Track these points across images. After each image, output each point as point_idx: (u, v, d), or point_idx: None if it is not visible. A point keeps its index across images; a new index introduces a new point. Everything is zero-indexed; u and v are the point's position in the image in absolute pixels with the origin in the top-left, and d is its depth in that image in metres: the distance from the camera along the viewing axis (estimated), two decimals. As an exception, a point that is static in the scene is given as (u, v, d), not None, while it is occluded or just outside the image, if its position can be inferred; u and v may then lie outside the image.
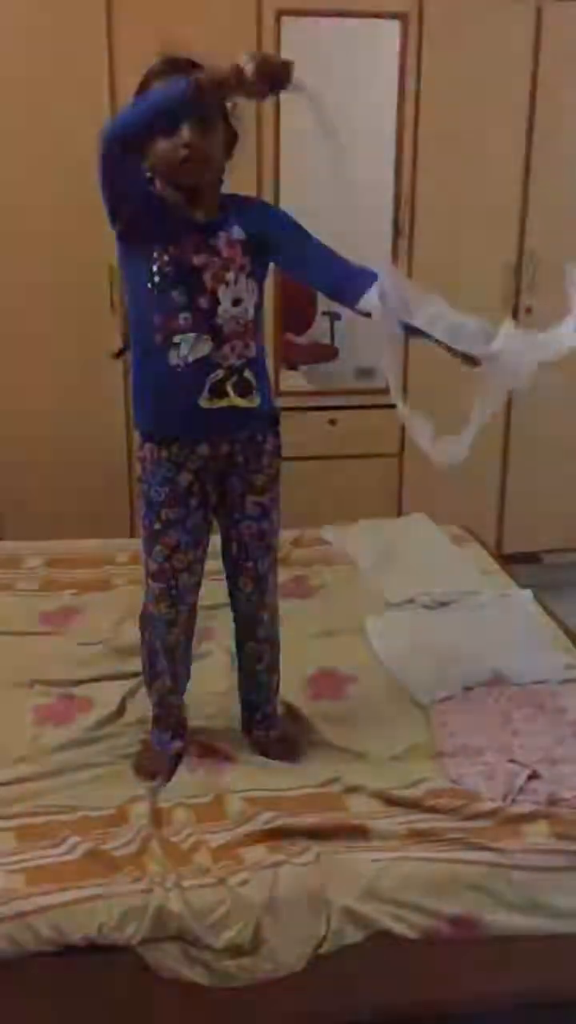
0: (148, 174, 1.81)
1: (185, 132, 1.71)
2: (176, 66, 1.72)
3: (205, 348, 1.80)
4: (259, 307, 1.87)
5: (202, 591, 2.01)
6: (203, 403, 1.83)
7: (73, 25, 3.19)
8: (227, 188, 1.88)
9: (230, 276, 1.80)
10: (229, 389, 1.83)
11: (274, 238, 1.86)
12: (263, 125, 3.30)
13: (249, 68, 1.56)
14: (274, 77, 1.59)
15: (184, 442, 1.86)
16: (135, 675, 2.25)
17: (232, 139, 1.83)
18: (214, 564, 2.01)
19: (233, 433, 1.88)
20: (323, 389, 3.86)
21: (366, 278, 1.75)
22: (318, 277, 1.89)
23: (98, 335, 3.36)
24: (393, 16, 3.38)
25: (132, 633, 2.43)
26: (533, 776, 1.90)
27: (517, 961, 1.73)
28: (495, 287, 3.68)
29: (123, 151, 1.68)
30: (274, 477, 1.95)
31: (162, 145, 1.73)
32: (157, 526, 1.91)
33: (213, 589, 2.06)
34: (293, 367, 3.89)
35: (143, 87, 1.78)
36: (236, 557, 1.98)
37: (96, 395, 3.46)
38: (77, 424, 3.51)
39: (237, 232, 1.81)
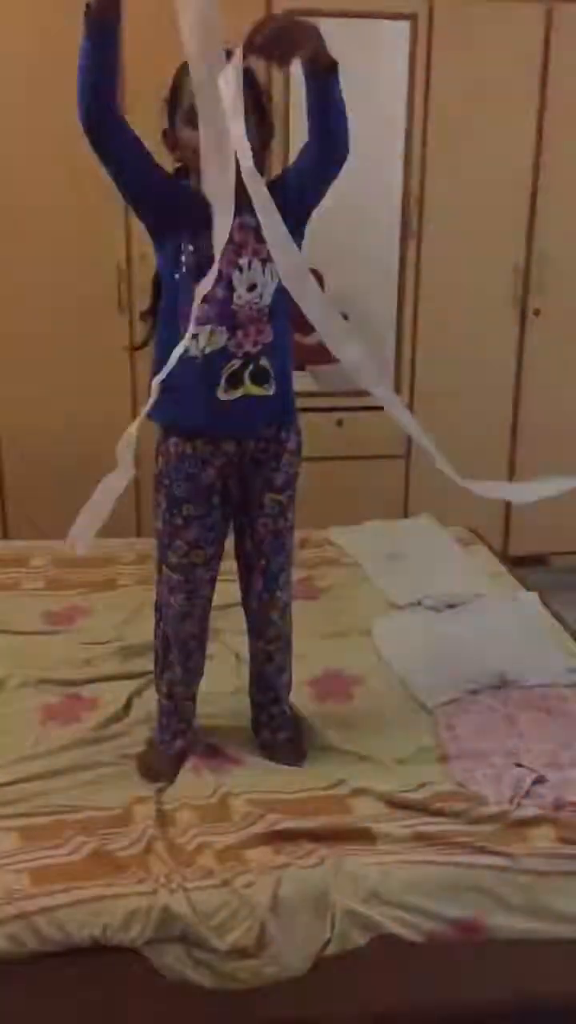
0: (177, 165, 1.83)
1: None
2: None
3: (221, 339, 1.81)
4: (281, 291, 1.81)
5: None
6: (220, 395, 1.83)
7: (79, 23, 3.19)
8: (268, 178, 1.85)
9: (243, 261, 1.79)
10: (246, 378, 1.83)
11: (291, 195, 1.78)
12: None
13: None
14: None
15: (209, 438, 1.86)
16: (141, 675, 2.26)
17: (268, 132, 1.83)
18: (223, 564, 2.01)
19: (255, 425, 1.87)
20: (330, 390, 3.85)
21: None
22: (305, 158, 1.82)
23: (107, 336, 3.36)
24: (403, 17, 3.38)
25: (138, 633, 2.43)
26: (539, 780, 1.89)
27: (521, 965, 1.72)
28: (503, 288, 3.68)
29: (99, 114, 1.68)
30: (293, 476, 1.96)
31: (186, 133, 1.74)
32: (178, 521, 1.91)
33: (220, 589, 2.06)
34: (300, 368, 3.87)
35: (175, 88, 1.77)
36: (250, 554, 1.99)
37: (103, 395, 3.46)
38: (83, 424, 3.51)
39: (249, 219, 1.74)
